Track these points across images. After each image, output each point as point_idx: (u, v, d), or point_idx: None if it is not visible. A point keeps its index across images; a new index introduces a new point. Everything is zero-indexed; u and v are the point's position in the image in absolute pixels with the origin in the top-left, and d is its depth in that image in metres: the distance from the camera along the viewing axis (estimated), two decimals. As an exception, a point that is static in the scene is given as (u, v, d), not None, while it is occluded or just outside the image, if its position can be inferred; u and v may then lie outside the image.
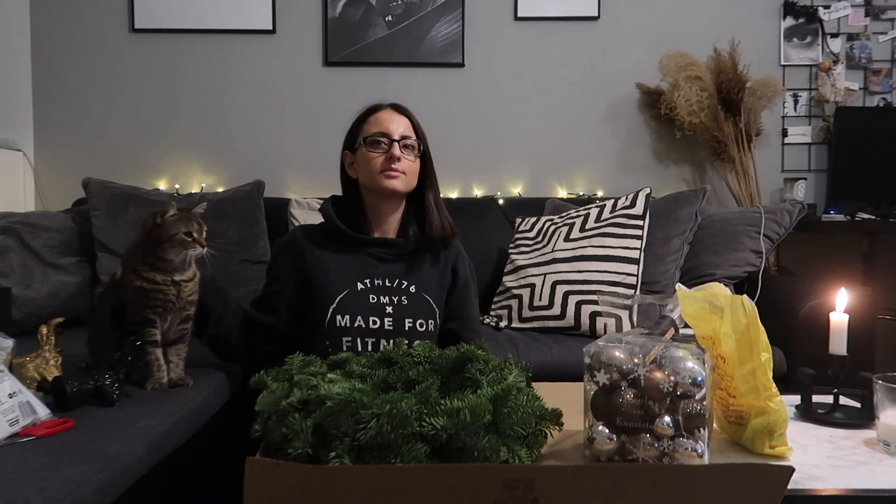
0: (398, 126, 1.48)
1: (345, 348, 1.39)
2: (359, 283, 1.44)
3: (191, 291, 1.39)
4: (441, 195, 1.56)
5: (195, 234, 1.35)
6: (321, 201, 2.43)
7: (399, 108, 1.53)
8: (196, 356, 1.56)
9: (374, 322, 1.41)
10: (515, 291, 2.08)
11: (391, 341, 1.38)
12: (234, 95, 2.78)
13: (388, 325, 1.41)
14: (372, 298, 1.43)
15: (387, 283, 1.45)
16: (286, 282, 1.49)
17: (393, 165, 1.44)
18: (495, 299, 2.17)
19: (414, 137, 1.49)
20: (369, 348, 1.39)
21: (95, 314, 1.46)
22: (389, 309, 1.42)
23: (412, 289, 1.46)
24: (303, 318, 1.47)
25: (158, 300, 1.34)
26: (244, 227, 2.28)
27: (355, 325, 1.40)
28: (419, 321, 1.44)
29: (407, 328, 1.42)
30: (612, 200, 2.15)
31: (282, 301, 1.49)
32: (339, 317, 1.41)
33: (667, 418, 0.86)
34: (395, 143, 1.45)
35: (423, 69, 2.79)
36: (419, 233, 1.51)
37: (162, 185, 2.69)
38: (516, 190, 2.79)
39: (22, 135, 2.67)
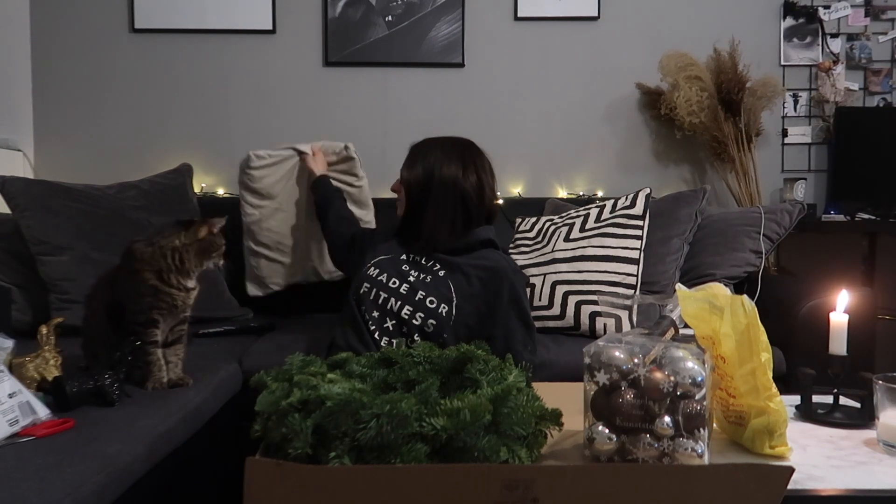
0: None
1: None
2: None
3: (193, 298, 1.43)
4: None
5: (224, 246, 1.46)
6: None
7: None
8: (196, 356, 1.56)
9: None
10: (515, 291, 2.08)
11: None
12: (235, 95, 2.78)
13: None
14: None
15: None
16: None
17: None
18: (495, 299, 2.17)
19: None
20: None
21: (87, 316, 1.46)
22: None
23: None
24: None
25: (166, 303, 1.36)
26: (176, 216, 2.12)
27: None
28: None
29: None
30: (612, 200, 2.15)
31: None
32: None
33: (667, 418, 0.86)
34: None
35: (423, 69, 2.78)
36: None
37: (162, 185, 2.69)
38: (516, 190, 2.79)
39: (22, 135, 2.67)
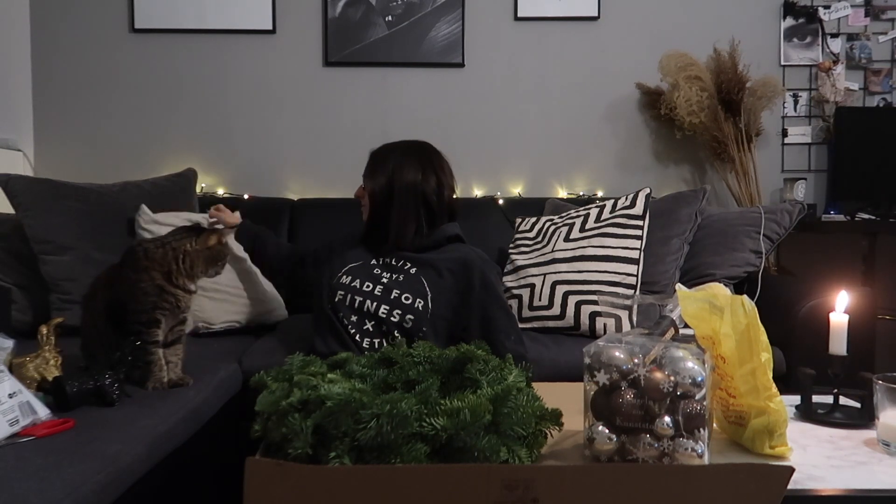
0: None
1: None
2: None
3: (192, 299, 1.46)
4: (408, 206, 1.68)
5: (227, 256, 1.51)
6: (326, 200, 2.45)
7: None
8: (196, 356, 1.56)
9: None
10: (515, 292, 2.08)
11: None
12: (234, 95, 2.78)
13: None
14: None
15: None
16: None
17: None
18: (495, 299, 2.17)
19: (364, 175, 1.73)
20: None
21: (85, 317, 1.46)
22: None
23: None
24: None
25: (169, 303, 1.38)
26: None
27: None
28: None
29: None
30: (612, 200, 2.15)
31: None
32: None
33: (667, 418, 0.86)
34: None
35: (423, 69, 2.78)
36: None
37: (162, 185, 2.69)
38: (516, 190, 2.79)
39: (22, 135, 2.67)
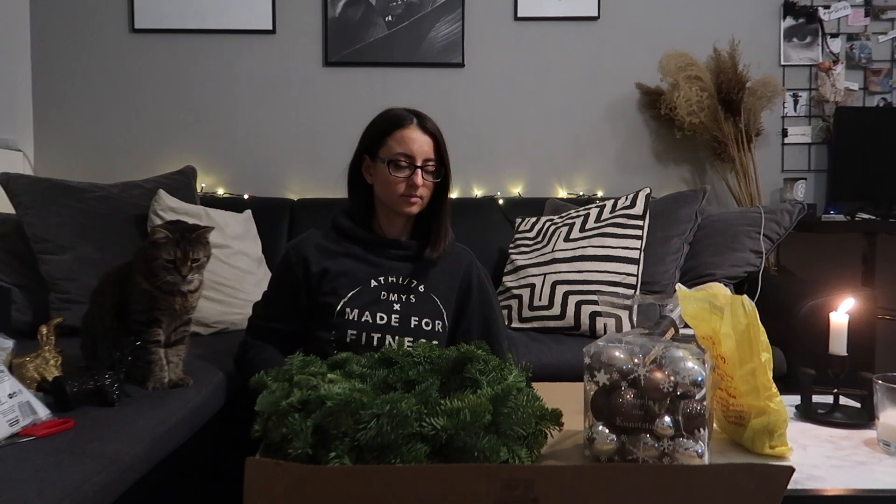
0: (422, 148, 1.44)
1: (348, 341, 1.39)
2: (372, 281, 1.45)
3: (195, 300, 1.40)
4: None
5: (178, 263, 1.31)
6: (326, 201, 2.45)
7: (425, 126, 1.47)
8: (196, 356, 1.56)
9: (382, 318, 1.41)
10: (515, 291, 2.08)
11: (395, 337, 1.40)
12: (235, 95, 2.78)
13: (395, 322, 1.42)
14: (382, 296, 1.44)
15: (399, 282, 1.46)
16: (294, 286, 1.47)
17: (414, 193, 1.43)
18: (495, 299, 2.17)
19: (434, 161, 1.45)
20: (374, 343, 1.39)
21: (92, 311, 1.45)
22: (397, 306, 1.43)
23: (421, 288, 1.47)
24: (314, 310, 1.46)
25: (164, 305, 1.35)
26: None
27: (362, 319, 1.40)
28: (425, 320, 1.45)
29: (412, 326, 1.43)
30: (612, 200, 2.15)
31: (291, 307, 1.48)
32: (348, 310, 1.41)
33: (667, 418, 0.86)
34: (419, 171, 1.42)
35: (423, 69, 2.78)
36: (428, 239, 1.50)
37: (162, 185, 2.69)
38: (516, 190, 2.79)
39: (22, 135, 2.67)
